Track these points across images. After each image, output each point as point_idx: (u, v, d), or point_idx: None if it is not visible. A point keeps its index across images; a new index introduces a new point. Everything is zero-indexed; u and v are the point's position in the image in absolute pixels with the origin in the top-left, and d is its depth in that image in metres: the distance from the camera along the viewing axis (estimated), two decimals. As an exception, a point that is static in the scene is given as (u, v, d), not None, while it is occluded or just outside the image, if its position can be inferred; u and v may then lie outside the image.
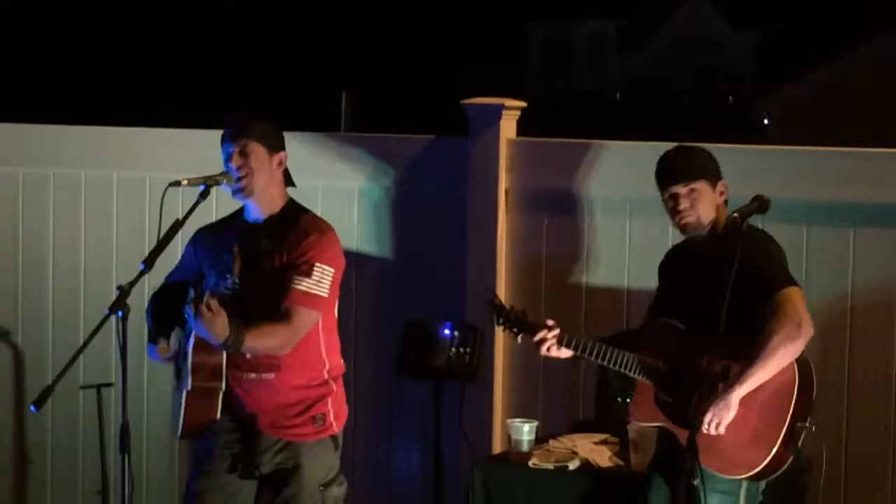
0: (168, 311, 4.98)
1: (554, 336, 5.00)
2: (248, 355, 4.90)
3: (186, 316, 4.74)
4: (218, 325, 4.70)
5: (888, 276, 5.60)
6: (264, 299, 4.88)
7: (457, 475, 6.01)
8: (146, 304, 5.14)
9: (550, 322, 5.03)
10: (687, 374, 4.72)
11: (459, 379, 6.07)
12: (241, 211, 5.12)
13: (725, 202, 4.92)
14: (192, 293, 4.84)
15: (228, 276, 4.94)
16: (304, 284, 4.88)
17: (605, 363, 4.93)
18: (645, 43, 37.88)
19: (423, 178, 6.35)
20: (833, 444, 5.35)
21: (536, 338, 5.02)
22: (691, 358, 4.71)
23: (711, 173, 4.89)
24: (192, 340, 4.85)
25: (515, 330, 5.09)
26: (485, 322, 5.93)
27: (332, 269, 4.95)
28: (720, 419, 4.65)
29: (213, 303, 4.69)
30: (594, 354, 4.94)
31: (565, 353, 5.02)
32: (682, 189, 4.85)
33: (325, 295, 4.92)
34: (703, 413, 4.61)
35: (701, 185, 4.85)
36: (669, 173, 4.89)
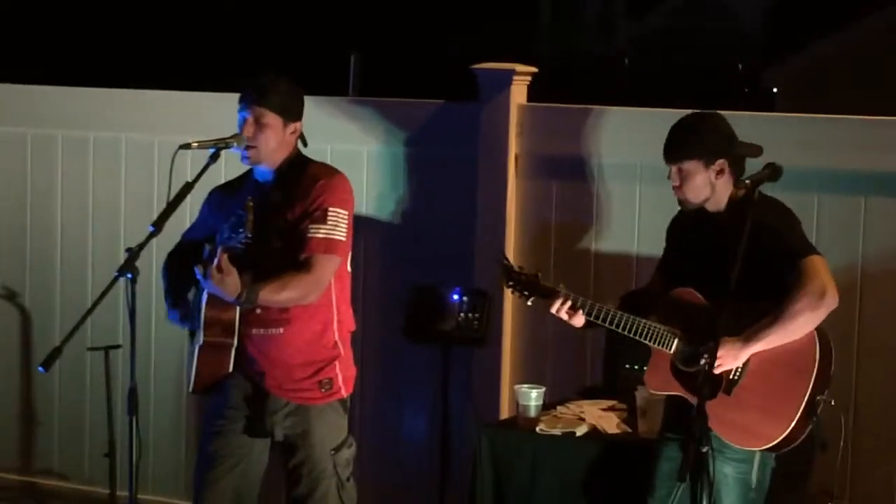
0: (184, 270, 4.96)
1: (563, 302, 4.92)
2: (259, 310, 4.88)
3: (196, 276, 4.74)
4: (228, 283, 4.70)
5: (899, 245, 5.58)
6: (281, 251, 4.86)
7: (464, 440, 6.01)
8: (162, 265, 5.13)
9: (561, 286, 4.94)
10: (705, 343, 4.63)
11: (468, 344, 6.07)
12: (251, 171, 5.09)
13: (734, 175, 4.78)
14: (206, 250, 4.84)
15: (241, 230, 4.91)
16: (321, 232, 4.86)
17: (622, 331, 4.83)
18: (652, 7, 37.70)
19: (432, 143, 6.33)
20: (842, 413, 5.34)
21: (553, 308, 4.94)
22: (710, 328, 4.61)
23: (707, 152, 4.78)
24: (205, 296, 4.84)
25: (526, 293, 5.02)
26: (494, 287, 5.92)
27: (345, 212, 4.92)
28: (722, 365, 4.59)
29: (224, 261, 4.68)
30: (611, 322, 4.85)
31: (579, 320, 4.92)
32: (672, 167, 4.84)
33: (343, 238, 4.91)
34: (709, 353, 4.48)
35: (690, 166, 4.78)
36: (665, 149, 4.87)
